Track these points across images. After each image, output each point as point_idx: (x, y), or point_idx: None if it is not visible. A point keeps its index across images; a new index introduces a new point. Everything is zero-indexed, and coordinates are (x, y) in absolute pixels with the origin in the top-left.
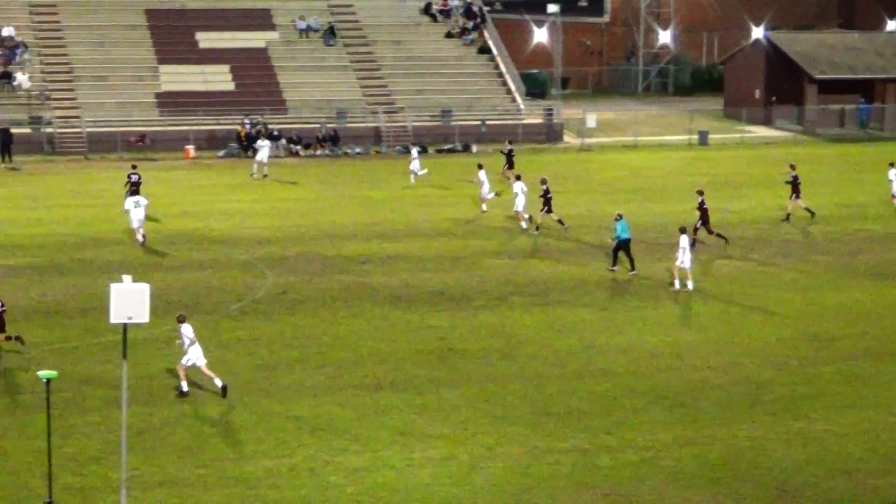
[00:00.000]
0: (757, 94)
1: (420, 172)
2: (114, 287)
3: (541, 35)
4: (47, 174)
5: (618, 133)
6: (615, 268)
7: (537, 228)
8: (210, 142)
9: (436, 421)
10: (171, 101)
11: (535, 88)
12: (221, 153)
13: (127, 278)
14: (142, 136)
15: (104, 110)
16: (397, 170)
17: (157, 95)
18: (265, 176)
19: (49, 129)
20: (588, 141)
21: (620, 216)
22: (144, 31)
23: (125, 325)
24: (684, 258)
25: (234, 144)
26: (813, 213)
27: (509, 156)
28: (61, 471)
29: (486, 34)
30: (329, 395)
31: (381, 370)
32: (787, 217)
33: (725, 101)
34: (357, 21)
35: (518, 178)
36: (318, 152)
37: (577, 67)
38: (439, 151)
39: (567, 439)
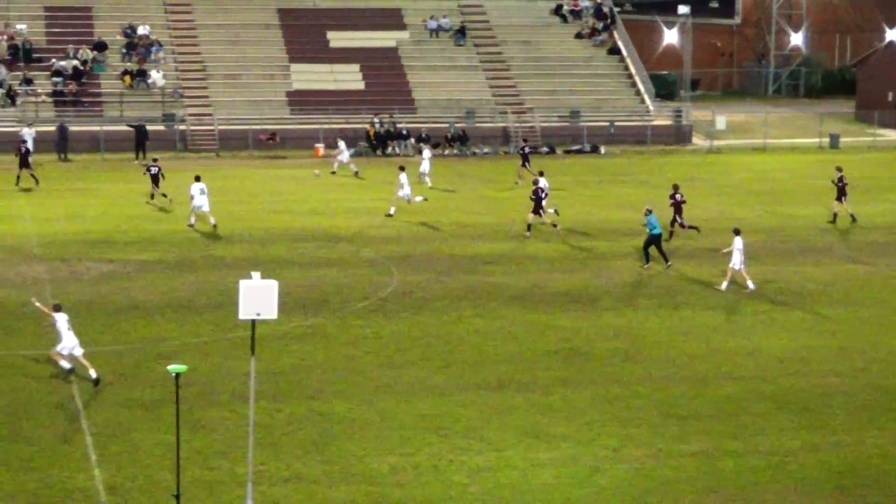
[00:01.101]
0: (890, 96)
1: (425, 177)
2: (243, 283)
3: (671, 36)
4: (179, 171)
5: (747, 135)
6: (647, 265)
7: (529, 228)
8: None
9: (559, 422)
10: (302, 100)
11: (665, 90)
12: (351, 151)
13: (256, 275)
14: (272, 135)
15: (236, 108)
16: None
17: (288, 94)
18: (356, 173)
19: (182, 127)
20: (717, 143)
21: (650, 210)
22: (277, 30)
23: (253, 322)
24: (737, 260)
25: (363, 143)
26: (854, 220)
27: (524, 154)
28: (189, 464)
29: (615, 35)
30: (453, 394)
31: (506, 370)
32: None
33: (857, 104)
34: (487, 21)
35: (541, 174)
36: (447, 152)
37: (707, 69)
38: (567, 152)
39: (691, 443)
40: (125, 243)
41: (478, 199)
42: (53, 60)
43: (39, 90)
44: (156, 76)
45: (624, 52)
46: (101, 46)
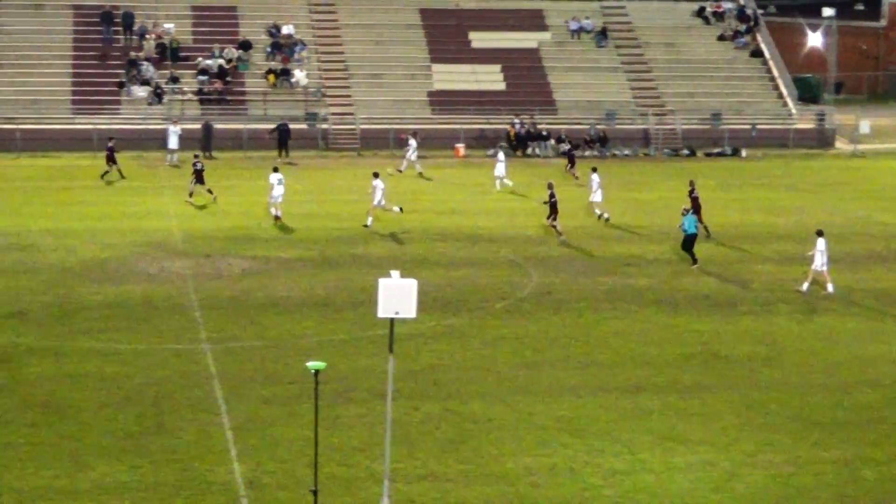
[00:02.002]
0: None
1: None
2: (382, 282)
3: (815, 39)
4: (321, 169)
5: (893, 140)
6: (697, 264)
7: (560, 233)
8: (480, 140)
9: (697, 426)
10: (443, 100)
11: (808, 93)
12: (491, 152)
13: (395, 273)
14: (413, 134)
15: (377, 108)
16: (666, 173)
17: (429, 94)
18: (420, 173)
19: (324, 126)
20: (861, 147)
21: (687, 211)
22: (419, 31)
23: (392, 320)
24: (819, 262)
25: (503, 143)
26: None
27: (570, 155)
28: (327, 460)
29: (758, 37)
30: (590, 395)
31: (644, 373)
32: None
33: None
34: (629, 23)
35: (594, 170)
36: (587, 153)
37: (852, 72)
38: (708, 155)
39: (830, 450)
40: (267, 240)
41: (617, 201)
42: (199, 59)
43: (185, 88)
44: (299, 75)
45: (767, 54)
46: (245, 46)
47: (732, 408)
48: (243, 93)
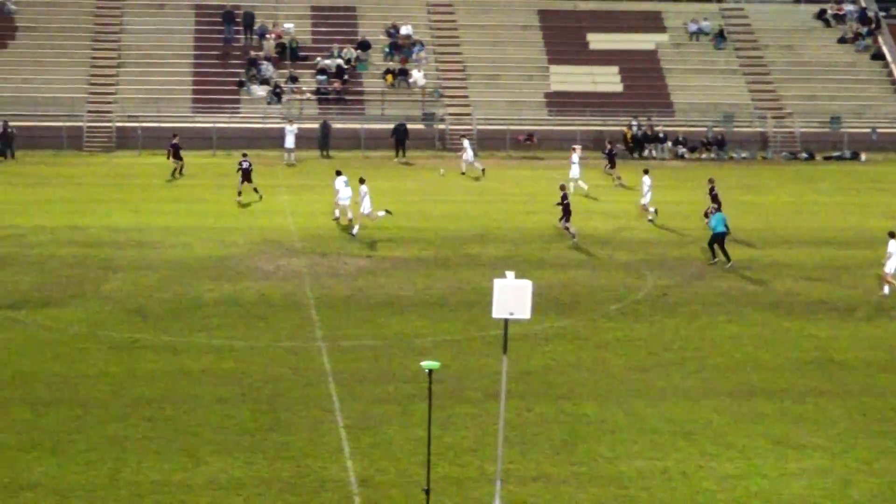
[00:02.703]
0: None
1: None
2: (497, 282)
3: None
4: (437, 169)
5: None
6: (715, 260)
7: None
8: (596, 142)
9: (811, 431)
10: (560, 101)
11: None
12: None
13: (510, 274)
14: (530, 135)
15: (494, 108)
16: (784, 176)
17: (546, 95)
18: (482, 171)
19: (441, 126)
20: None
21: (715, 209)
22: (536, 32)
23: (506, 321)
24: (890, 263)
25: (620, 145)
26: None
27: (611, 156)
28: (439, 460)
29: (880, 40)
30: (704, 399)
31: (758, 377)
32: None
33: None
34: (748, 25)
35: (646, 172)
36: (704, 156)
37: None
38: (827, 159)
39: None
40: (382, 239)
41: (733, 204)
42: (318, 59)
43: (304, 88)
44: (417, 76)
45: (889, 57)
46: (364, 46)
47: (848, 414)
48: (361, 93)
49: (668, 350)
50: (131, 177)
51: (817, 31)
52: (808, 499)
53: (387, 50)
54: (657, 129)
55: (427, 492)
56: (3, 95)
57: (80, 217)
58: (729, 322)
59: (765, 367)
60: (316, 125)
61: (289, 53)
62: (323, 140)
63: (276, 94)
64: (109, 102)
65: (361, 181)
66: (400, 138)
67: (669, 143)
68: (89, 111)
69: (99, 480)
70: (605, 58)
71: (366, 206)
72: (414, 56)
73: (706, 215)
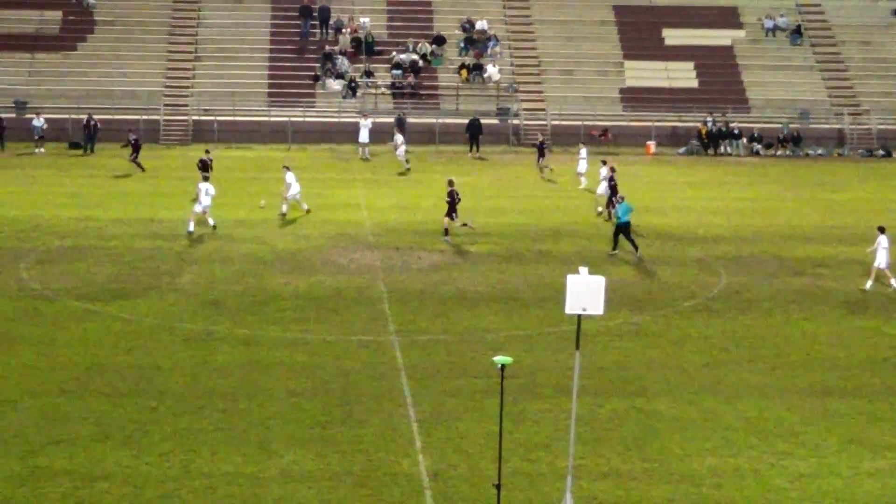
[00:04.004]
0: None
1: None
2: (570, 278)
3: None
4: (511, 165)
5: None
6: (615, 252)
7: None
8: (671, 138)
9: (886, 431)
10: (635, 97)
11: None
12: (682, 150)
13: (583, 270)
14: (604, 131)
15: (568, 104)
16: (860, 174)
17: (621, 91)
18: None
19: (515, 121)
20: None
21: (622, 198)
22: (612, 27)
23: (579, 316)
24: (881, 258)
25: (694, 142)
26: None
27: (541, 148)
28: (510, 455)
29: None
30: (777, 397)
31: (832, 376)
32: None
33: None
34: (825, 21)
35: (604, 162)
36: (779, 153)
37: None
38: None
39: None
40: (455, 234)
41: (809, 202)
42: (394, 53)
43: (379, 82)
44: (491, 70)
45: None
46: (439, 40)
47: None
48: (436, 87)
49: (741, 347)
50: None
51: (895, 27)
52: (881, 499)
53: (462, 45)
54: (732, 125)
55: (498, 487)
56: (81, 89)
57: (156, 210)
58: (803, 320)
59: (839, 365)
60: (390, 119)
61: (364, 48)
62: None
63: (352, 89)
64: (186, 96)
65: (287, 168)
66: (474, 133)
67: (744, 140)
68: (166, 104)
69: (172, 471)
70: (680, 53)
71: (293, 193)
72: (489, 51)
73: (612, 205)
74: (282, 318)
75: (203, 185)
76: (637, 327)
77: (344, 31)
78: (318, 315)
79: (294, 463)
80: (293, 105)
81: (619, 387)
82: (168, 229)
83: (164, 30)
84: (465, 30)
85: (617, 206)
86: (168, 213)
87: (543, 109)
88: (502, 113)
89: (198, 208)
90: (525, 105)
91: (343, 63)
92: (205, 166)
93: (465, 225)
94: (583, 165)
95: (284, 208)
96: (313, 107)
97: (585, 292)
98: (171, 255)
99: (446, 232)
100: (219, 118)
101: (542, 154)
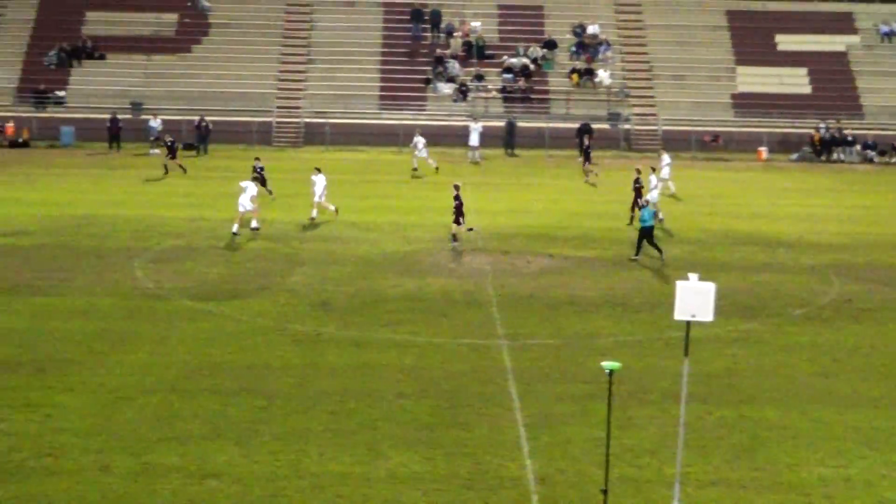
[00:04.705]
0: None
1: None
2: (680, 284)
3: None
4: (621, 170)
5: None
6: (637, 256)
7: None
8: (783, 144)
9: None
10: (746, 103)
11: None
12: (794, 156)
13: (693, 276)
14: (715, 136)
15: (680, 109)
16: None
17: (733, 96)
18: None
19: (626, 126)
20: None
21: (647, 202)
22: (724, 32)
23: (688, 323)
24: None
25: (807, 148)
26: None
27: (586, 151)
28: (617, 461)
29: None
30: (890, 408)
31: None
32: None
33: None
34: None
35: (653, 170)
36: (894, 160)
37: None
38: None
39: None
40: (566, 239)
41: None
42: (505, 57)
43: (490, 86)
44: (603, 75)
45: None
46: (550, 45)
47: None
48: (546, 91)
49: (853, 356)
50: None
51: None
52: None
53: (573, 49)
54: (846, 132)
55: (605, 492)
56: (195, 91)
57: (267, 211)
58: None
59: None
60: (501, 123)
61: (475, 51)
62: (508, 138)
63: (462, 92)
64: (298, 98)
65: (318, 170)
66: (583, 138)
67: (858, 147)
68: (278, 107)
69: (281, 471)
70: (793, 59)
71: (319, 195)
72: (600, 55)
73: (635, 209)
74: (390, 320)
75: (245, 183)
76: (747, 334)
77: (455, 34)
78: (426, 318)
79: (401, 465)
80: (404, 108)
81: (728, 394)
82: (279, 231)
83: (278, 33)
84: (576, 34)
85: (641, 210)
86: (279, 215)
87: (654, 114)
88: (613, 118)
89: (250, 207)
90: (636, 110)
91: (454, 67)
92: (260, 178)
93: (470, 230)
94: (666, 171)
95: (332, 207)
96: (424, 110)
97: (695, 298)
98: (281, 256)
99: (455, 238)
100: (330, 121)
101: (587, 158)
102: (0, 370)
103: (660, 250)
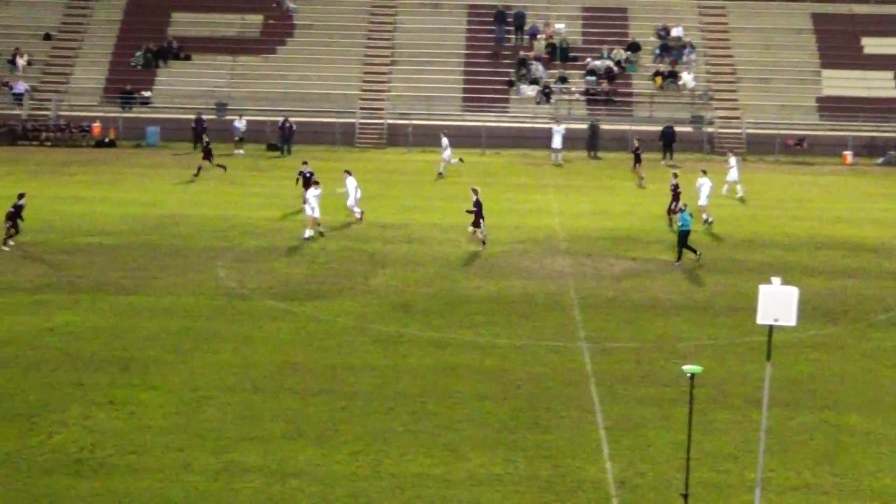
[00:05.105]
0: None
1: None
2: (763, 288)
3: None
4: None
5: None
6: (697, 256)
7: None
8: (868, 148)
9: None
10: (832, 106)
11: None
12: (880, 160)
13: (776, 280)
14: (800, 140)
15: (764, 112)
16: None
17: (818, 100)
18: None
19: (709, 129)
20: None
21: (685, 206)
22: (809, 35)
23: (770, 327)
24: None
25: (893, 152)
26: None
27: (636, 154)
28: (698, 465)
29: None
30: None
31: None
32: None
33: None
34: None
35: (704, 172)
36: None
37: None
38: None
39: None
40: (648, 242)
41: None
42: (588, 60)
43: (573, 88)
44: (686, 78)
45: None
46: (634, 47)
47: None
48: (630, 94)
49: None
50: (401, 173)
51: None
52: None
53: (656, 52)
54: None
55: (685, 497)
56: (279, 91)
57: (350, 212)
58: None
59: None
60: (584, 126)
61: (559, 54)
62: (591, 141)
63: (546, 95)
64: (382, 100)
65: (348, 172)
66: (667, 141)
67: None
68: (362, 108)
69: (362, 471)
70: (880, 62)
71: (353, 199)
72: (684, 58)
73: (671, 213)
74: (472, 321)
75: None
76: (830, 339)
77: (539, 36)
78: (507, 320)
79: (481, 466)
80: (487, 110)
81: (810, 399)
82: (361, 231)
83: (362, 34)
84: (660, 37)
85: (679, 214)
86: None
87: (738, 118)
88: (696, 121)
89: (314, 213)
90: (720, 113)
91: (537, 69)
92: (306, 181)
93: (482, 240)
94: (733, 174)
95: (358, 212)
96: (507, 112)
97: (778, 303)
98: (363, 257)
99: (478, 238)
100: (413, 122)
101: (638, 161)
102: (85, 368)
103: (692, 250)
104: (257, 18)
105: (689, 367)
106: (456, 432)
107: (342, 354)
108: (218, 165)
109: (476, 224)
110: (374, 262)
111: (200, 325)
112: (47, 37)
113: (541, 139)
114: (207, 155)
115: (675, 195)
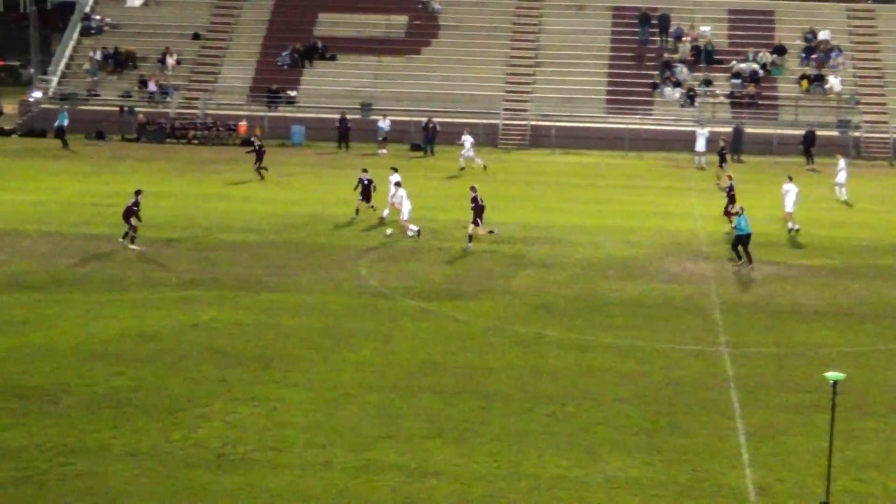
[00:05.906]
0: None
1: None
2: None
3: None
4: (851, 178)
5: None
6: (740, 262)
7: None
8: None
9: None
10: None
11: None
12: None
13: None
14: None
15: None
16: None
17: None
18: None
19: (856, 134)
20: None
21: (742, 209)
22: None
23: None
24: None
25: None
26: None
27: (722, 154)
28: (839, 474)
29: None
30: None
31: None
32: None
33: None
34: None
35: (790, 178)
36: None
37: None
38: None
39: None
40: (791, 246)
41: None
42: (733, 62)
43: (718, 91)
44: (833, 81)
45: None
46: (780, 50)
47: None
48: (775, 97)
49: None
50: (543, 175)
51: None
52: None
53: (803, 55)
54: None
55: None
56: (423, 92)
57: (493, 213)
58: None
59: None
60: (728, 129)
61: (703, 56)
62: (735, 144)
63: (690, 97)
64: (525, 101)
65: (394, 170)
66: (808, 145)
67: None
68: (505, 109)
69: (500, 471)
70: None
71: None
72: (831, 61)
73: (728, 215)
74: (612, 324)
75: (401, 192)
76: None
77: (684, 39)
78: (647, 323)
79: (619, 469)
80: (631, 112)
81: None
82: (504, 232)
83: (506, 35)
84: (806, 40)
85: (737, 217)
86: (505, 217)
87: (886, 122)
88: (843, 125)
89: (405, 216)
90: (867, 117)
91: (682, 71)
92: (366, 190)
93: (490, 232)
94: (841, 177)
95: (414, 229)
96: (651, 115)
97: None
98: (504, 258)
99: (470, 238)
100: (557, 124)
101: (723, 161)
102: (228, 364)
103: (748, 258)
104: (402, 19)
105: (831, 374)
106: (594, 435)
107: (482, 355)
108: (260, 169)
109: (475, 223)
110: (514, 263)
111: (342, 323)
112: (196, 36)
113: (683, 142)
114: (259, 158)
115: (731, 197)
